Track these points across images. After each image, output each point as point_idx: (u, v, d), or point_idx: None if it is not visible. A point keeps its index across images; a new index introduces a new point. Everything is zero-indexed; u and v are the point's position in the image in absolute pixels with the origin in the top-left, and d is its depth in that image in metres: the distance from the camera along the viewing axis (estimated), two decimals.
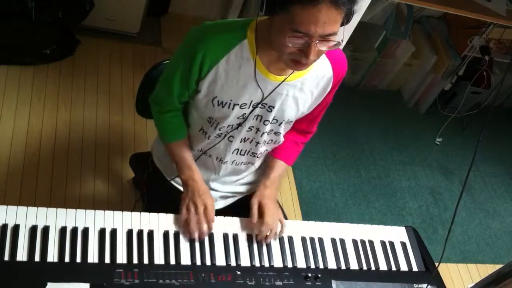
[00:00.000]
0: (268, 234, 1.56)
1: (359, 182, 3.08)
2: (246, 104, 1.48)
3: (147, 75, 1.81)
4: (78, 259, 1.36)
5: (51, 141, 2.55)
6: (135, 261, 1.40)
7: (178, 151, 1.62)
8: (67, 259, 1.35)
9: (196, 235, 1.50)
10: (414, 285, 1.60)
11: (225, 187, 1.77)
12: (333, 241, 1.64)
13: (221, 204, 1.79)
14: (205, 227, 1.52)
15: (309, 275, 1.51)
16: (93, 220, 1.44)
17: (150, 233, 1.47)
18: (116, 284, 1.34)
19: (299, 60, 1.30)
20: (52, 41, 2.77)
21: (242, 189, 1.80)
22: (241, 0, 3.24)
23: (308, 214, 2.78)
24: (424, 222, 3.03)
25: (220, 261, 1.48)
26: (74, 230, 1.40)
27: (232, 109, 1.49)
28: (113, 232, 1.43)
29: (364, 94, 3.55)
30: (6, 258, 1.31)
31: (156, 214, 1.51)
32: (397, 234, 1.74)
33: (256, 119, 1.54)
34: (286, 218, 1.93)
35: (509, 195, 3.42)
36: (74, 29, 2.92)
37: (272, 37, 1.32)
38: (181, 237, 1.49)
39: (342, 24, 1.27)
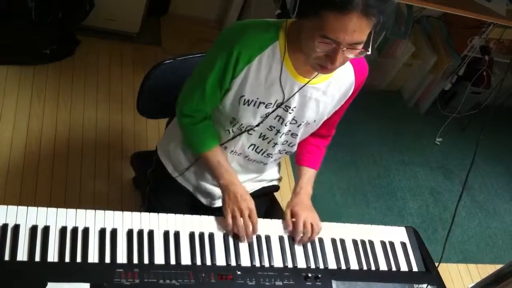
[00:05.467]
0: (301, 237, 1.60)
1: (359, 182, 3.08)
2: (271, 103, 1.51)
3: (147, 75, 1.81)
4: (78, 259, 1.36)
5: (51, 141, 2.55)
6: (135, 261, 1.40)
7: (214, 158, 1.62)
8: (67, 259, 1.35)
9: (244, 239, 1.53)
10: (414, 285, 1.60)
11: None
12: (333, 241, 1.64)
13: (221, 202, 1.79)
14: (250, 229, 1.54)
15: (309, 275, 1.51)
16: (93, 220, 1.44)
17: (150, 233, 1.47)
18: (116, 284, 1.33)
19: (325, 65, 1.33)
20: (52, 41, 2.77)
21: (246, 188, 1.80)
22: (241, 0, 3.24)
23: None
24: (424, 222, 3.03)
25: (220, 261, 1.48)
26: (74, 230, 1.40)
27: (258, 107, 1.51)
28: (113, 232, 1.43)
29: (364, 94, 3.54)
30: (6, 258, 1.31)
31: (156, 214, 1.51)
32: (397, 234, 1.74)
33: (276, 119, 1.56)
34: None
35: (509, 195, 3.42)
36: (74, 29, 2.92)
37: (301, 39, 1.34)
38: (181, 237, 1.49)
39: (370, 34, 1.28)
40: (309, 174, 1.75)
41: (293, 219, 1.61)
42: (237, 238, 1.54)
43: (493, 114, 3.76)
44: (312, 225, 1.60)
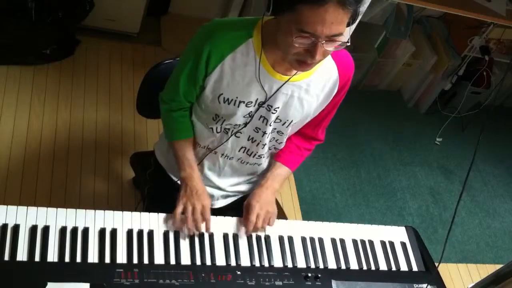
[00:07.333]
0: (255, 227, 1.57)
1: (359, 182, 3.08)
2: (252, 102, 1.49)
3: (147, 75, 1.81)
4: (78, 259, 1.36)
5: (51, 141, 2.55)
6: (135, 261, 1.40)
7: (182, 149, 1.63)
8: (67, 259, 1.35)
9: (191, 233, 1.50)
10: (414, 285, 1.60)
11: (228, 186, 1.77)
12: (333, 241, 1.64)
13: (221, 203, 1.79)
14: (202, 226, 1.53)
15: (309, 275, 1.51)
16: (93, 220, 1.44)
17: (150, 233, 1.47)
18: (116, 284, 1.34)
19: (305, 60, 1.31)
20: (52, 41, 2.77)
21: (244, 188, 1.80)
22: (241, 0, 3.24)
23: (308, 214, 2.78)
24: (424, 222, 3.03)
25: (220, 261, 1.48)
26: (74, 230, 1.40)
27: (238, 106, 1.50)
28: (113, 232, 1.43)
29: (364, 94, 3.55)
30: (6, 258, 1.31)
31: (156, 214, 1.51)
32: (397, 234, 1.74)
33: (260, 120, 1.54)
34: (286, 218, 1.93)
35: (509, 195, 3.42)
36: (74, 29, 2.92)
37: (278, 37, 1.33)
38: (181, 237, 1.49)
39: (348, 25, 1.27)
40: (279, 170, 1.70)
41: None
42: (187, 233, 1.50)
43: (493, 114, 3.76)
44: (264, 220, 1.58)
